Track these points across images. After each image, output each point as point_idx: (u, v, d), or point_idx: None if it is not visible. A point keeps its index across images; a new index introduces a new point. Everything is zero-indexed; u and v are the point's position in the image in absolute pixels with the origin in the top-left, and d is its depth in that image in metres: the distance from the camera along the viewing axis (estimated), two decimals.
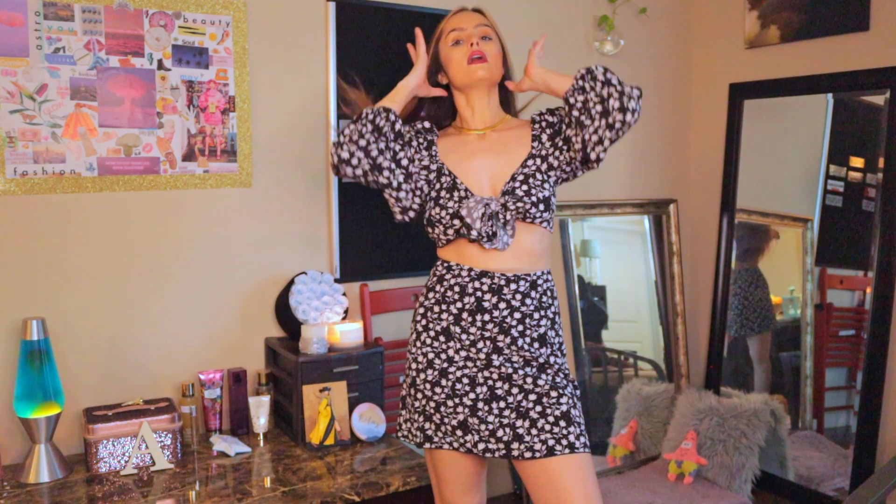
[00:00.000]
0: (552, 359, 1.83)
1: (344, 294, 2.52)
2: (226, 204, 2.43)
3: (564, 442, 1.73)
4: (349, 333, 2.38)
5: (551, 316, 1.86)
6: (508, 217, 1.78)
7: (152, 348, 2.35)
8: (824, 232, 2.90)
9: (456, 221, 1.80)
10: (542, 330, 1.83)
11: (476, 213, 1.77)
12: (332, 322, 2.43)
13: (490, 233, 1.77)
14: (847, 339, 2.85)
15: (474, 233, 1.77)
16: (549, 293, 1.86)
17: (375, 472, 2.10)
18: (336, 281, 2.56)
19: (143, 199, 2.31)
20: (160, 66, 2.29)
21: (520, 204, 1.78)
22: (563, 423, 1.75)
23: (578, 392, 1.85)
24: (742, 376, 3.19)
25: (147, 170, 2.30)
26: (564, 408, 1.77)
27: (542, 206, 1.80)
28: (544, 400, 1.77)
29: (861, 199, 2.79)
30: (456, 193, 1.83)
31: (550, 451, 1.73)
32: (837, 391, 2.89)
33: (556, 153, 1.88)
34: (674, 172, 3.39)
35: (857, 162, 2.81)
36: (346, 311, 2.50)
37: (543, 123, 1.93)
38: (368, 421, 2.32)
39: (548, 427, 1.75)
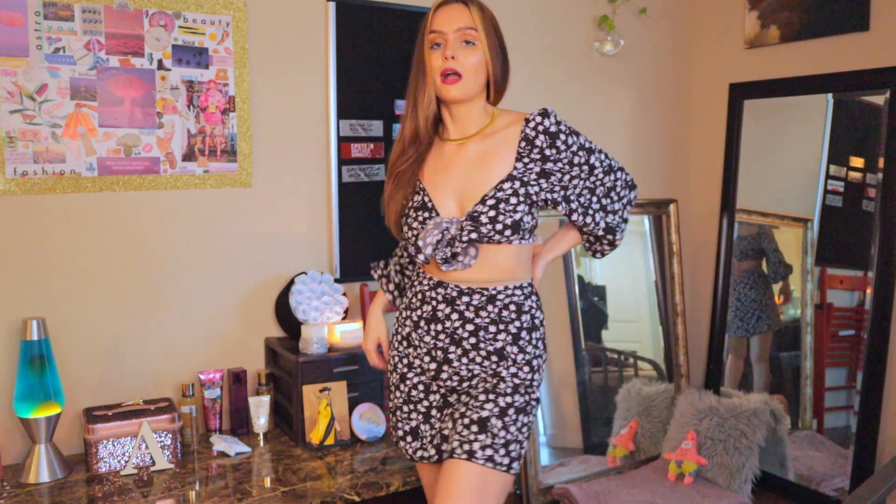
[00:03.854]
0: (514, 375, 1.72)
1: (344, 294, 2.52)
2: (226, 204, 2.43)
3: (466, 447, 1.65)
4: (349, 333, 2.38)
5: (514, 331, 1.73)
6: (466, 241, 1.68)
7: (152, 348, 2.35)
8: (824, 232, 2.90)
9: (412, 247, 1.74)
10: (498, 344, 1.72)
11: (430, 238, 1.69)
12: (332, 322, 2.43)
13: (445, 257, 1.69)
14: (847, 339, 2.85)
15: (421, 257, 1.70)
16: (513, 307, 1.73)
17: (375, 472, 2.10)
18: (336, 281, 2.56)
19: (143, 199, 2.31)
20: (160, 66, 2.29)
21: (482, 230, 1.67)
22: (474, 429, 1.66)
23: (530, 419, 1.72)
24: (742, 376, 3.19)
25: (147, 170, 2.30)
26: (485, 414, 1.67)
27: (508, 232, 1.69)
28: (470, 402, 1.71)
29: (861, 199, 2.79)
30: (423, 213, 1.74)
31: (451, 454, 1.67)
32: (837, 391, 2.89)
33: (540, 191, 1.73)
34: (674, 172, 3.39)
35: (857, 162, 2.81)
36: (346, 311, 2.50)
37: (537, 140, 1.74)
38: (368, 421, 2.32)
39: (459, 429, 1.69)
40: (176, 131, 2.33)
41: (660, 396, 3.15)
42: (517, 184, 1.71)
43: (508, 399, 1.70)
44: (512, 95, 2.93)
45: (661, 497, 2.75)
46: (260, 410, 2.34)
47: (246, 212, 2.46)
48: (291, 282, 2.45)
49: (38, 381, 2.06)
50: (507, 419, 1.69)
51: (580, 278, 3.10)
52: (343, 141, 2.57)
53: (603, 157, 1.82)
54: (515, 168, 1.72)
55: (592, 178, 1.79)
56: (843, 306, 2.86)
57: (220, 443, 2.25)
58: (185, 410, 2.29)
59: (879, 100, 2.72)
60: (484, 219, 1.67)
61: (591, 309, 3.13)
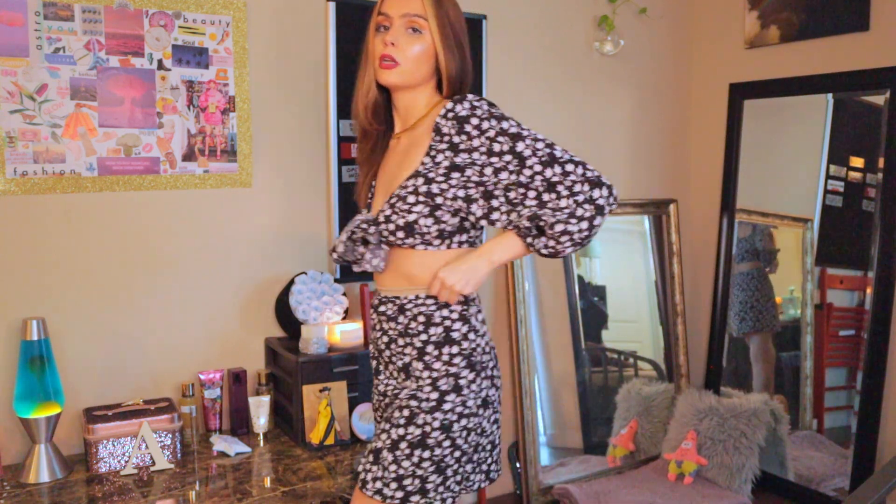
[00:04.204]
0: (412, 397, 1.60)
1: (344, 294, 2.52)
2: (226, 204, 2.43)
3: (362, 475, 1.61)
4: (349, 333, 2.38)
5: (419, 345, 1.61)
6: (371, 241, 1.61)
7: (152, 348, 2.35)
8: (824, 232, 2.90)
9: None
10: (406, 359, 1.63)
11: (342, 235, 1.66)
12: (332, 322, 2.43)
13: (355, 258, 1.64)
14: (847, 339, 2.85)
15: (334, 255, 1.66)
16: (421, 318, 1.61)
17: None
18: (336, 281, 2.56)
19: (143, 199, 2.31)
20: (160, 66, 2.29)
21: (380, 230, 1.60)
22: (370, 458, 1.61)
23: (436, 453, 1.57)
24: (742, 376, 3.19)
25: (147, 170, 2.30)
26: (378, 444, 1.60)
27: (400, 234, 1.58)
28: (381, 424, 1.67)
29: (861, 199, 2.79)
30: (366, 210, 1.71)
31: (355, 477, 1.66)
32: (837, 391, 2.89)
33: (448, 188, 1.56)
34: (674, 172, 3.39)
35: (857, 162, 2.81)
36: (346, 311, 2.50)
37: (445, 129, 1.58)
38: (368, 421, 2.32)
39: (365, 452, 1.68)
40: (176, 131, 2.33)
41: (660, 396, 3.16)
42: (420, 181, 1.57)
43: (401, 431, 1.58)
44: (512, 95, 2.94)
45: (661, 497, 2.75)
46: (260, 410, 2.34)
47: (246, 212, 2.46)
48: (291, 282, 2.45)
49: (38, 381, 2.06)
50: (398, 453, 1.57)
51: (580, 278, 3.11)
52: (343, 141, 2.57)
53: (540, 146, 1.54)
54: (423, 163, 1.59)
55: (527, 171, 1.53)
56: (843, 306, 2.86)
57: (220, 443, 2.25)
58: (185, 410, 2.29)
59: (879, 100, 2.72)
60: (381, 218, 1.60)
61: (591, 309, 3.13)
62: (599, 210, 1.53)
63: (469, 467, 1.65)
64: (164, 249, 2.35)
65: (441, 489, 1.59)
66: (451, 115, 1.57)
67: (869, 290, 2.73)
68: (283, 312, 2.45)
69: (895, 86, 2.67)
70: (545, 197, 1.53)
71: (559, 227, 1.51)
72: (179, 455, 2.17)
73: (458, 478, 1.63)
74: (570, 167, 1.53)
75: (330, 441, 2.24)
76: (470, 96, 1.58)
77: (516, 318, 2.88)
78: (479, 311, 1.68)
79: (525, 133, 1.54)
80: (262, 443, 2.32)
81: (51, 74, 2.15)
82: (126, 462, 2.10)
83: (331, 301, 2.47)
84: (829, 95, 2.88)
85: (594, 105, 3.12)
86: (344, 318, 2.49)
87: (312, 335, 2.31)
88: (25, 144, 2.14)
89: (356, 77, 1.71)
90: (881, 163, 2.71)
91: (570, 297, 3.06)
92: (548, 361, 3.00)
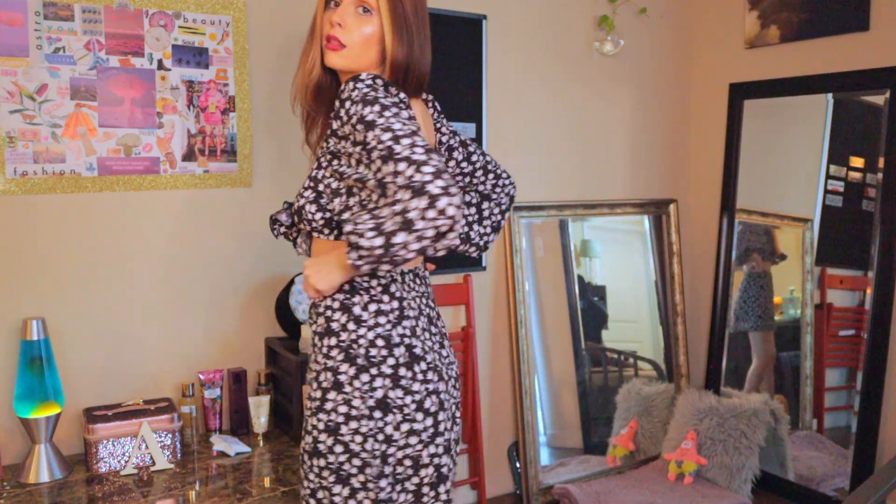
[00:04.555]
0: (308, 400, 1.49)
1: None
2: (226, 204, 2.43)
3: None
4: None
5: (322, 361, 1.49)
6: (276, 227, 1.61)
7: (152, 348, 2.35)
8: (824, 232, 2.90)
9: None
10: (313, 372, 1.52)
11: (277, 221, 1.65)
12: None
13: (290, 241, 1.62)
14: (847, 339, 2.85)
15: (274, 234, 1.66)
16: (312, 310, 1.53)
17: None
18: None
19: (143, 199, 2.31)
20: (160, 66, 2.29)
21: (282, 212, 1.58)
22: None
23: (330, 460, 1.47)
24: (742, 376, 3.19)
25: (147, 170, 2.30)
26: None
27: (296, 218, 1.52)
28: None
29: (861, 199, 2.79)
30: None
31: None
32: (837, 391, 2.89)
33: (327, 178, 1.47)
34: (674, 172, 3.39)
35: (857, 162, 2.81)
36: None
37: (335, 116, 1.45)
38: None
39: None
40: (176, 131, 2.33)
41: (660, 396, 3.16)
42: (315, 165, 1.51)
43: (303, 442, 1.51)
44: (512, 95, 2.94)
45: (661, 497, 2.75)
46: (260, 410, 2.34)
47: (246, 212, 2.46)
48: (291, 282, 2.45)
49: (38, 381, 2.06)
50: (304, 466, 1.50)
51: (580, 278, 3.11)
52: None
53: (385, 137, 1.32)
54: (321, 146, 1.53)
55: (373, 166, 1.35)
56: (843, 306, 2.86)
57: (220, 443, 2.25)
58: (185, 410, 2.29)
59: (879, 100, 2.72)
60: (291, 199, 1.60)
61: (591, 309, 3.13)
62: (406, 225, 1.26)
63: (384, 483, 1.48)
64: (163, 249, 2.35)
65: (353, 503, 1.48)
66: (340, 95, 1.44)
67: (869, 290, 2.73)
68: (283, 312, 2.45)
69: (895, 86, 2.67)
70: (380, 200, 1.34)
71: (353, 239, 1.32)
72: (179, 455, 2.17)
73: (372, 494, 1.48)
74: (402, 166, 1.28)
75: None
76: (363, 75, 1.43)
77: (516, 319, 2.88)
78: (373, 302, 1.48)
79: (379, 122, 1.34)
80: (262, 443, 2.32)
81: (51, 74, 2.15)
82: (126, 462, 2.10)
83: None
84: (829, 95, 2.88)
85: (594, 105, 3.12)
86: None
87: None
88: (25, 144, 2.14)
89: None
90: (881, 163, 2.71)
91: (570, 297, 3.06)
92: (548, 361, 3.00)
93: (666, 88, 3.32)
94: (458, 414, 1.62)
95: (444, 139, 1.73)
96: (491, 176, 1.79)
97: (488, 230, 1.82)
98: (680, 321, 3.27)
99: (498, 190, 1.81)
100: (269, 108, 2.47)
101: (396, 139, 1.31)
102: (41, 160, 2.16)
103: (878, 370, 2.71)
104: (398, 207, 1.27)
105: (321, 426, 1.46)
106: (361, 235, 1.31)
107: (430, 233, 1.26)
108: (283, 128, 2.50)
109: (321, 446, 1.46)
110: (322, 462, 1.47)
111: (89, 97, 2.20)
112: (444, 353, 1.58)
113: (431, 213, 1.24)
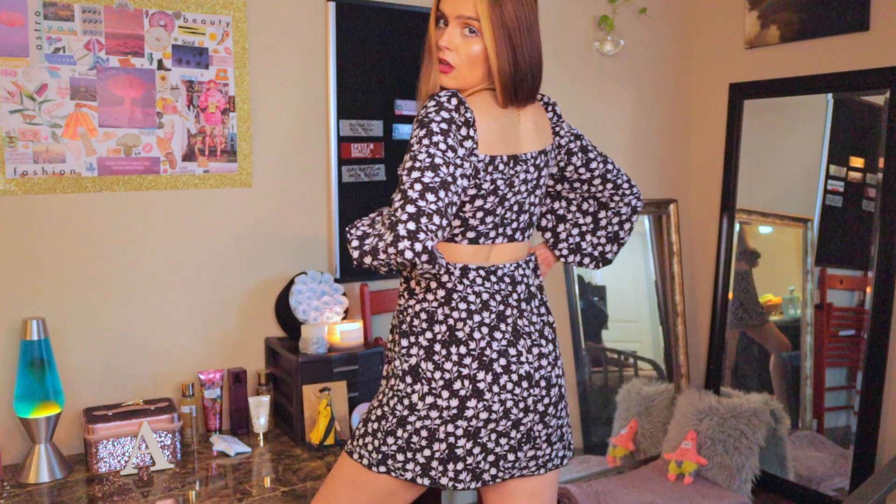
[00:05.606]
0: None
1: (344, 294, 2.52)
2: (226, 204, 2.43)
3: None
4: (349, 333, 2.38)
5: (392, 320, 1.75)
6: None
7: (152, 348, 2.35)
8: (824, 232, 2.90)
9: None
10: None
11: None
12: (332, 322, 2.43)
13: None
14: (847, 339, 2.85)
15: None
16: (399, 294, 1.72)
17: None
18: (336, 281, 2.56)
19: (143, 199, 2.31)
20: (160, 66, 2.29)
21: None
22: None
23: (373, 400, 1.68)
24: (742, 376, 3.19)
25: (147, 170, 2.30)
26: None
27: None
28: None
29: (861, 199, 2.79)
30: None
31: None
32: (837, 391, 2.89)
33: None
34: (674, 172, 3.39)
35: (857, 162, 2.81)
36: (346, 311, 2.50)
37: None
38: None
39: None
40: (176, 131, 2.33)
41: (660, 396, 3.16)
42: None
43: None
44: None
45: (661, 497, 2.75)
46: (260, 410, 2.34)
47: (246, 212, 2.46)
48: (291, 282, 2.45)
49: (38, 381, 2.06)
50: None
51: (580, 278, 3.11)
52: (343, 141, 2.57)
53: (407, 163, 1.45)
54: None
55: None
56: (843, 306, 2.86)
57: (220, 443, 2.25)
58: (185, 410, 2.29)
59: (879, 100, 2.72)
60: None
61: (591, 309, 3.13)
62: (373, 252, 1.42)
63: (391, 440, 1.57)
64: (164, 249, 2.35)
65: (360, 441, 1.62)
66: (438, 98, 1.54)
67: (869, 290, 2.73)
68: (283, 312, 2.45)
69: (895, 86, 2.67)
70: None
71: (347, 238, 1.54)
72: (179, 455, 2.17)
73: (377, 442, 1.58)
74: (397, 196, 1.41)
75: (330, 441, 2.24)
76: (441, 94, 1.52)
77: None
78: (424, 282, 1.60)
79: (413, 146, 1.46)
80: (262, 443, 2.32)
81: (51, 74, 2.15)
82: (126, 462, 2.10)
83: (331, 301, 2.47)
84: (829, 95, 2.88)
85: (594, 105, 3.12)
86: (344, 318, 2.49)
87: (312, 335, 2.31)
88: (25, 144, 2.14)
89: (420, 64, 1.66)
90: (881, 163, 2.71)
91: (570, 297, 3.06)
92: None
93: (666, 88, 3.32)
94: (523, 417, 1.59)
95: (562, 142, 1.75)
96: (609, 185, 1.81)
97: (602, 240, 1.83)
98: (680, 321, 3.27)
99: (616, 199, 1.81)
100: (269, 108, 2.47)
101: (410, 168, 1.41)
102: (41, 160, 2.16)
103: (878, 370, 2.71)
104: (378, 230, 1.44)
105: (384, 371, 1.68)
106: (349, 242, 1.50)
107: (392, 263, 1.40)
108: (283, 128, 2.50)
109: (382, 383, 1.66)
110: (379, 398, 1.65)
111: (89, 97, 2.20)
112: (512, 351, 1.60)
113: (392, 250, 1.37)
